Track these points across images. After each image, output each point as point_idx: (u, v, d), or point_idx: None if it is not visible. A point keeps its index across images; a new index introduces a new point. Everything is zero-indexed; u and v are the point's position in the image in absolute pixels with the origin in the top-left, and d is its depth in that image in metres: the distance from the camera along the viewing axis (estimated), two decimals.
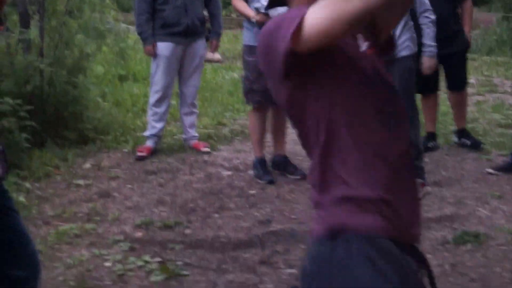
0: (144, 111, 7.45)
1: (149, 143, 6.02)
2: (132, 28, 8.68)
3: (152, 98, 6.00)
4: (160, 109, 5.99)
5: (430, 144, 5.97)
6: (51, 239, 4.14)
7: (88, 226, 4.37)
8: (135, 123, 7.02)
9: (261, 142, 5.37)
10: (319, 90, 1.59)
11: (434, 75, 5.78)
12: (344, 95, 1.58)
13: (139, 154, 5.90)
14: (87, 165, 5.73)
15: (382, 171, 1.57)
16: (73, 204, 4.81)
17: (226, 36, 11.97)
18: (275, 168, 5.43)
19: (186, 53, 5.96)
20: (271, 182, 5.19)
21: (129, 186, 5.25)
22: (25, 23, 6.70)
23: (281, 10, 4.92)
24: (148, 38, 5.86)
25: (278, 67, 1.55)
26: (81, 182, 5.29)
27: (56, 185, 5.23)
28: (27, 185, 5.06)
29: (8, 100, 5.09)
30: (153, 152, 6.00)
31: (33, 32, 6.63)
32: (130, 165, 5.75)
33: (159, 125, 6.01)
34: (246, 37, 5.31)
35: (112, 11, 10.06)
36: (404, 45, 4.81)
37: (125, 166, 5.74)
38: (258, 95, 5.16)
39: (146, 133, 6.07)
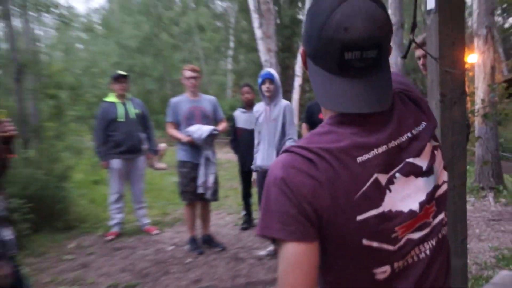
0: None
1: (115, 229, 5.95)
2: None
3: (112, 198, 5.91)
4: (118, 205, 5.92)
5: None
6: None
7: None
8: (105, 214, 6.80)
9: (193, 226, 5.34)
10: None
11: None
12: None
13: (107, 238, 5.83)
14: (72, 245, 5.66)
15: None
16: (62, 273, 4.76)
17: (171, 151, 12.05)
18: (203, 243, 5.40)
19: (131, 166, 5.88)
20: (200, 253, 5.17)
21: (102, 259, 5.17)
22: (26, 145, 6.72)
23: (204, 129, 4.99)
24: (103, 156, 5.77)
25: None
26: (67, 257, 5.23)
27: (49, 260, 5.15)
28: (29, 260, 5.00)
29: (15, 200, 5.04)
30: (119, 235, 5.91)
31: (32, 151, 6.63)
32: (102, 244, 5.68)
33: (119, 216, 5.96)
34: (179, 154, 5.22)
35: (88, 134, 10.30)
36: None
37: (98, 245, 5.67)
38: (189, 194, 5.15)
39: (111, 223, 5.99)
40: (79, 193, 7.41)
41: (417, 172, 1.05)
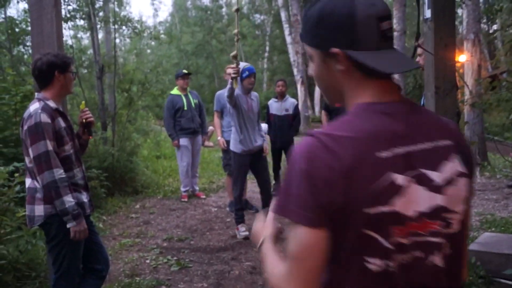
0: (169, 175, 7.35)
1: (186, 193, 5.95)
2: (164, 129, 8.83)
3: (183, 169, 5.86)
4: (188, 174, 5.92)
5: None
6: (116, 247, 4.16)
7: (137, 240, 4.39)
8: (164, 182, 6.97)
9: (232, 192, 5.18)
10: None
11: None
12: None
13: (183, 200, 5.84)
14: (137, 206, 5.70)
15: None
16: (129, 228, 4.81)
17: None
18: None
19: (193, 143, 5.84)
20: None
21: (160, 217, 5.20)
22: (104, 128, 6.81)
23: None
24: (174, 136, 5.75)
25: None
26: (133, 215, 5.27)
27: (119, 217, 5.20)
28: (104, 217, 5.07)
29: (94, 170, 5.12)
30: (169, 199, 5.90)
31: (109, 133, 6.71)
32: (161, 206, 5.70)
33: (189, 184, 5.97)
34: (225, 134, 5.13)
35: (152, 119, 10.46)
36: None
37: (158, 206, 5.69)
38: (230, 167, 5.01)
39: (183, 189, 5.96)
40: (144, 165, 7.44)
41: (429, 184, 0.88)
